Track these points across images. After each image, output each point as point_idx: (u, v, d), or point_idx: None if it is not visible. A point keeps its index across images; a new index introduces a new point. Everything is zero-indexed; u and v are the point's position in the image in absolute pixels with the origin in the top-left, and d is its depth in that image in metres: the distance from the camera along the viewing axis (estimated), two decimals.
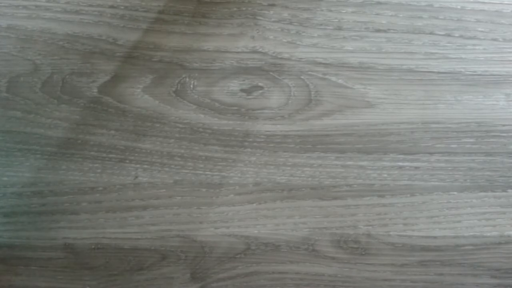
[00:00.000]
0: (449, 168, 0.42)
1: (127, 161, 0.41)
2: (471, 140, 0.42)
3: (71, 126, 0.41)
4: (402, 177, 0.42)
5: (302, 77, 0.42)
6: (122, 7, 0.42)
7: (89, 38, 0.42)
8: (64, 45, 0.41)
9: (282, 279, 0.42)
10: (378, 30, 0.42)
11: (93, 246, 0.41)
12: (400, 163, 0.42)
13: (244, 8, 0.42)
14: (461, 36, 0.43)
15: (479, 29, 0.43)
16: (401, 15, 0.43)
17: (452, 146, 0.42)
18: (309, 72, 0.42)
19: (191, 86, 0.42)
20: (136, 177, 0.41)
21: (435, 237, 0.42)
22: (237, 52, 0.42)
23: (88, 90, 0.41)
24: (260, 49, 0.42)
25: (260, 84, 0.42)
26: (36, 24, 0.41)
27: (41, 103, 0.41)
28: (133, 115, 0.41)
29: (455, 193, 0.42)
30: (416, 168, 0.42)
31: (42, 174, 0.41)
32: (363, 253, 0.42)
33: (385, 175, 0.42)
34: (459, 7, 0.43)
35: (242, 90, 0.42)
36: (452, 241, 0.42)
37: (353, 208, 0.42)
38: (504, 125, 0.42)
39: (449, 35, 0.43)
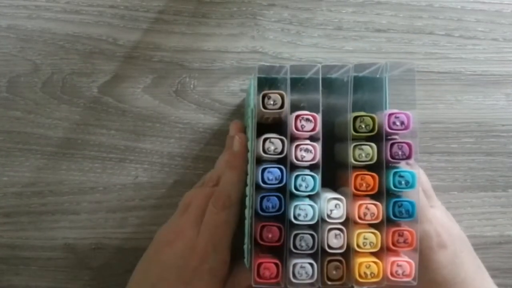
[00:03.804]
0: (449, 168, 0.42)
1: (127, 161, 0.41)
2: (471, 140, 0.42)
3: (71, 126, 0.41)
4: None
5: None
6: (122, 7, 0.42)
7: (89, 38, 0.42)
8: (64, 45, 0.41)
9: None
10: (378, 30, 0.42)
11: (93, 246, 0.41)
12: None
13: (244, 8, 0.42)
14: (461, 36, 0.43)
15: (479, 29, 0.43)
16: (401, 15, 0.43)
17: (452, 146, 0.42)
18: None
19: (191, 86, 0.42)
20: (136, 177, 0.41)
21: None
22: (237, 52, 0.42)
23: (88, 90, 0.41)
24: (260, 49, 0.42)
25: None
26: (36, 24, 0.41)
27: (41, 103, 0.41)
28: (133, 115, 0.41)
29: (455, 193, 0.42)
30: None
31: (42, 174, 0.41)
32: None
33: None
34: (459, 7, 0.43)
35: (242, 90, 0.42)
36: None
37: None
38: (504, 125, 0.42)
39: (449, 35, 0.43)
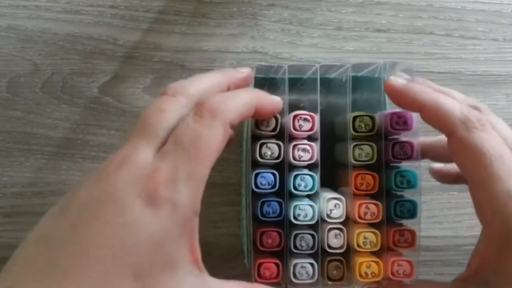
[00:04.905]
0: None
1: None
2: None
3: (71, 126, 0.41)
4: None
5: None
6: (122, 7, 0.42)
7: (89, 38, 0.42)
8: (64, 45, 0.41)
9: None
10: (378, 30, 0.42)
11: None
12: None
13: (244, 8, 0.42)
14: (461, 36, 0.43)
15: (479, 29, 0.43)
16: (401, 15, 0.43)
17: None
18: None
19: None
20: None
21: (435, 237, 0.42)
22: (237, 52, 0.42)
23: (88, 90, 0.41)
24: (260, 49, 0.42)
25: None
26: (36, 24, 0.41)
27: (41, 103, 0.41)
28: (133, 115, 0.41)
29: (455, 193, 0.42)
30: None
31: (42, 174, 0.41)
32: None
33: None
34: (459, 7, 0.43)
35: None
36: (452, 241, 0.42)
37: None
38: None
39: (449, 35, 0.43)
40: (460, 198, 0.42)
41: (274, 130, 0.30)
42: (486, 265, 0.26)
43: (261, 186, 0.29)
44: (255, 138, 0.30)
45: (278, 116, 0.30)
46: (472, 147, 0.25)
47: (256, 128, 0.30)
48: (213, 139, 0.22)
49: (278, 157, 0.30)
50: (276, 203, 0.29)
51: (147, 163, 0.21)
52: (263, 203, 0.29)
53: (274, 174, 0.29)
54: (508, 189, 0.24)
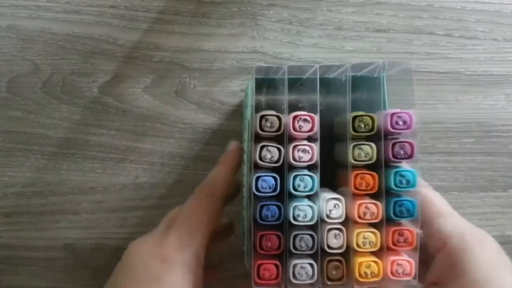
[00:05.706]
0: (449, 168, 0.42)
1: (127, 161, 0.41)
2: (471, 140, 0.42)
3: (71, 126, 0.41)
4: None
5: None
6: (122, 7, 0.42)
7: (89, 38, 0.42)
8: (64, 45, 0.42)
9: None
10: (378, 30, 0.42)
11: (93, 246, 0.41)
12: None
13: (244, 8, 0.42)
14: (461, 36, 0.43)
15: (479, 29, 0.43)
16: (401, 15, 0.43)
17: (452, 146, 0.42)
18: None
19: (191, 86, 0.42)
20: (137, 177, 0.41)
21: None
22: (237, 52, 0.42)
23: (88, 90, 0.41)
24: (260, 49, 0.42)
25: None
26: (36, 24, 0.41)
27: (41, 103, 0.41)
28: (133, 115, 0.41)
29: (455, 193, 0.42)
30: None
31: (42, 174, 0.41)
32: None
33: None
34: (459, 7, 0.43)
35: (242, 90, 0.42)
36: None
37: None
38: (504, 125, 0.42)
39: (449, 35, 0.43)
40: (460, 198, 0.42)
41: (278, 130, 0.30)
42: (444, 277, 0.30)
43: (262, 190, 0.29)
44: (257, 139, 0.30)
45: (281, 115, 0.30)
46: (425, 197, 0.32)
47: (260, 130, 0.29)
48: (205, 213, 0.31)
49: (277, 161, 0.29)
50: (275, 207, 0.29)
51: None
52: (262, 207, 0.29)
53: (275, 178, 0.29)
54: (449, 223, 0.32)
